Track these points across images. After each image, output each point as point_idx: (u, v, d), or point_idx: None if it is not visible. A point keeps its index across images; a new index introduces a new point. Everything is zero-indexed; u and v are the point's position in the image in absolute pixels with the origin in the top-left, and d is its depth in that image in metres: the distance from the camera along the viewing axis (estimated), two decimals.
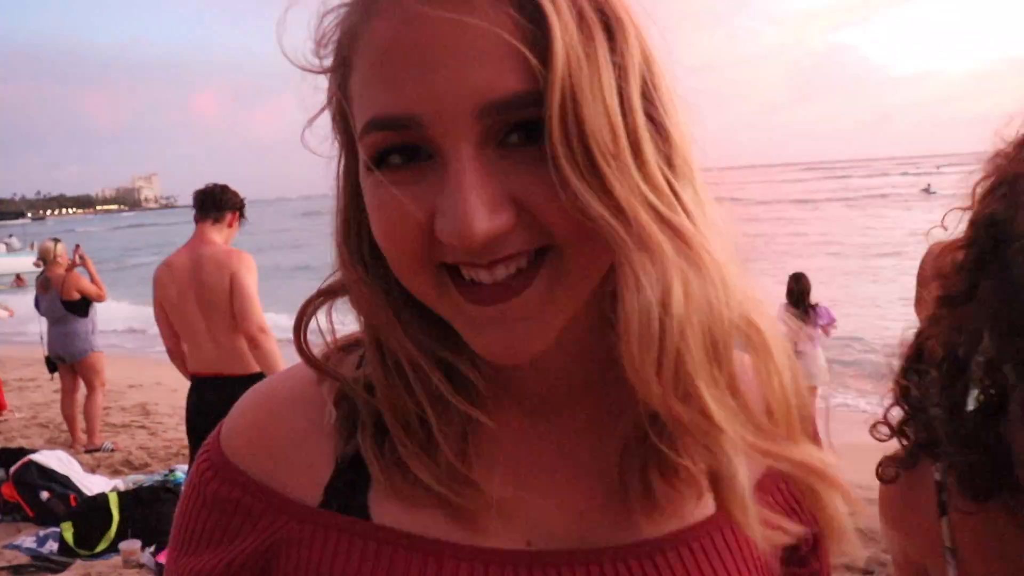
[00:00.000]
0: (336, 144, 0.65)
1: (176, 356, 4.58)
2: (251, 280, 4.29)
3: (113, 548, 5.07)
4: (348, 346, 0.71)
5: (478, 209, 0.52)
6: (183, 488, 0.73)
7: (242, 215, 4.60)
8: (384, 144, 0.56)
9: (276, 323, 4.37)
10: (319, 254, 0.71)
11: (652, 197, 0.54)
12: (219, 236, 4.43)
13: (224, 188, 4.48)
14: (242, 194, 4.55)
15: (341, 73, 0.60)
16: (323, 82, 0.63)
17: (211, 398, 4.27)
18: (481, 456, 0.65)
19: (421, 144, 0.55)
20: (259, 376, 4.14)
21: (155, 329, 4.77)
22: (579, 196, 0.52)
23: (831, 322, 7.22)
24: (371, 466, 0.65)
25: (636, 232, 0.52)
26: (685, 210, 0.55)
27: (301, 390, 0.70)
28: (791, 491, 0.72)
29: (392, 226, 0.57)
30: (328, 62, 0.62)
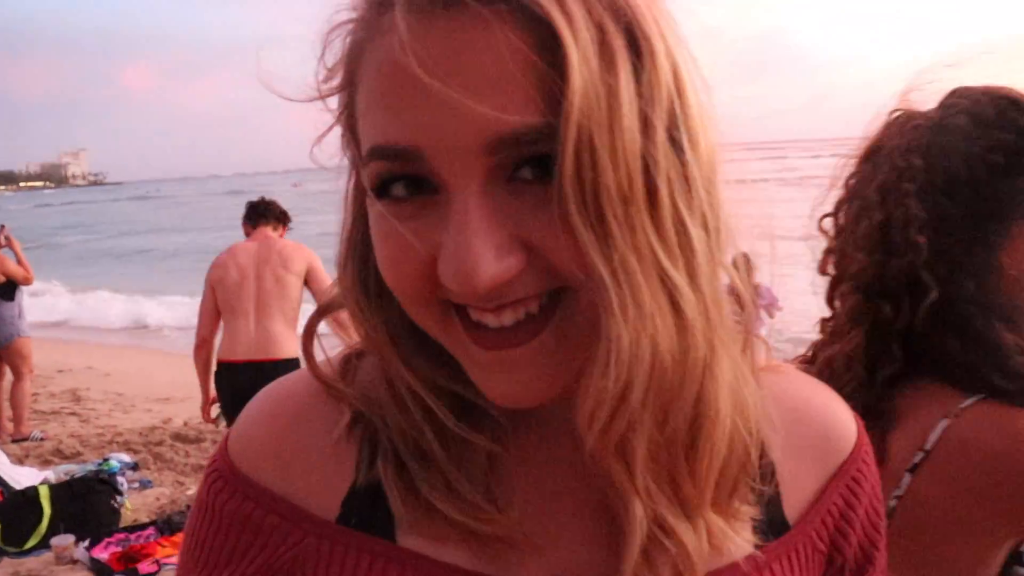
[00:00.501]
0: (346, 160, 0.62)
1: (207, 346, 4.70)
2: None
3: (44, 544, 4.88)
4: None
5: (482, 254, 0.49)
6: (193, 504, 0.69)
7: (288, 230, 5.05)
8: (387, 173, 0.53)
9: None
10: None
11: (657, 246, 0.50)
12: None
13: (279, 204, 4.99)
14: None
15: (348, 92, 0.57)
16: (331, 101, 0.60)
17: (248, 384, 4.38)
18: (504, 486, 0.63)
19: (426, 176, 0.52)
20: (295, 362, 4.38)
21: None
22: (580, 243, 0.49)
23: (773, 302, 7.32)
24: (393, 501, 0.62)
25: (623, 296, 0.49)
26: (690, 257, 0.52)
27: (317, 395, 0.67)
28: (831, 530, 0.69)
29: (394, 261, 0.54)
30: (336, 82, 0.58)
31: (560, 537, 0.63)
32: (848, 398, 1.10)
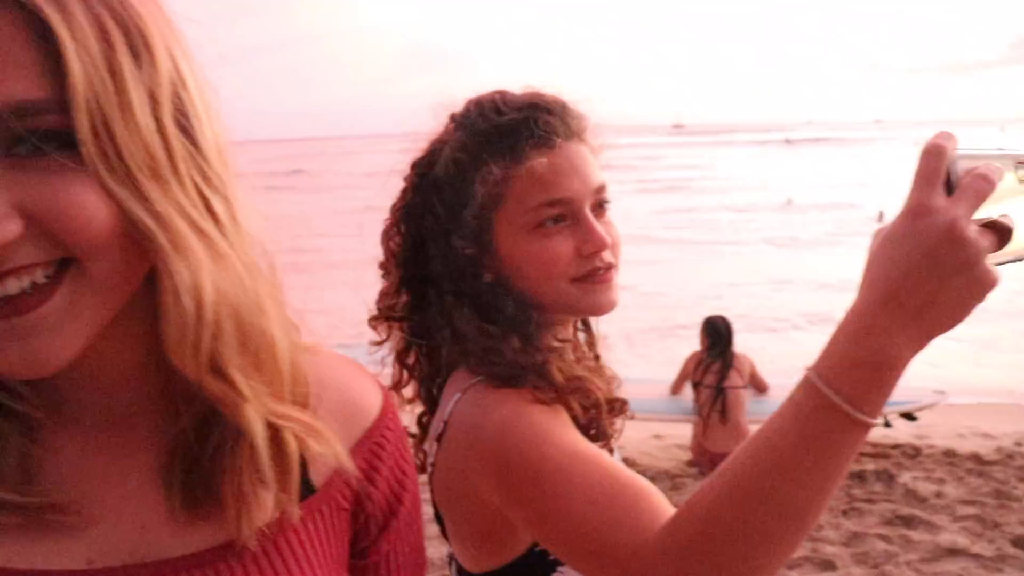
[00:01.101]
0: None
1: None
2: None
3: None
4: None
5: None
6: None
7: None
8: None
9: None
10: None
11: (188, 207, 0.58)
12: None
13: None
14: None
15: None
16: None
17: None
18: (45, 474, 0.63)
19: None
20: None
21: None
22: (122, 204, 0.54)
23: None
24: None
25: (173, 238, 0.56)
26: (216, 220, 0.60)
27: None
28: (354, 490, 0.77)
29: None
30: None
31: (98, 522, 0.64)
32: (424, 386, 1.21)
